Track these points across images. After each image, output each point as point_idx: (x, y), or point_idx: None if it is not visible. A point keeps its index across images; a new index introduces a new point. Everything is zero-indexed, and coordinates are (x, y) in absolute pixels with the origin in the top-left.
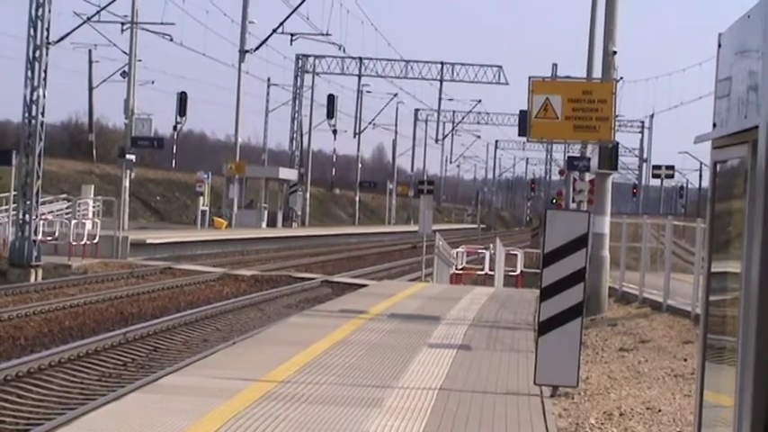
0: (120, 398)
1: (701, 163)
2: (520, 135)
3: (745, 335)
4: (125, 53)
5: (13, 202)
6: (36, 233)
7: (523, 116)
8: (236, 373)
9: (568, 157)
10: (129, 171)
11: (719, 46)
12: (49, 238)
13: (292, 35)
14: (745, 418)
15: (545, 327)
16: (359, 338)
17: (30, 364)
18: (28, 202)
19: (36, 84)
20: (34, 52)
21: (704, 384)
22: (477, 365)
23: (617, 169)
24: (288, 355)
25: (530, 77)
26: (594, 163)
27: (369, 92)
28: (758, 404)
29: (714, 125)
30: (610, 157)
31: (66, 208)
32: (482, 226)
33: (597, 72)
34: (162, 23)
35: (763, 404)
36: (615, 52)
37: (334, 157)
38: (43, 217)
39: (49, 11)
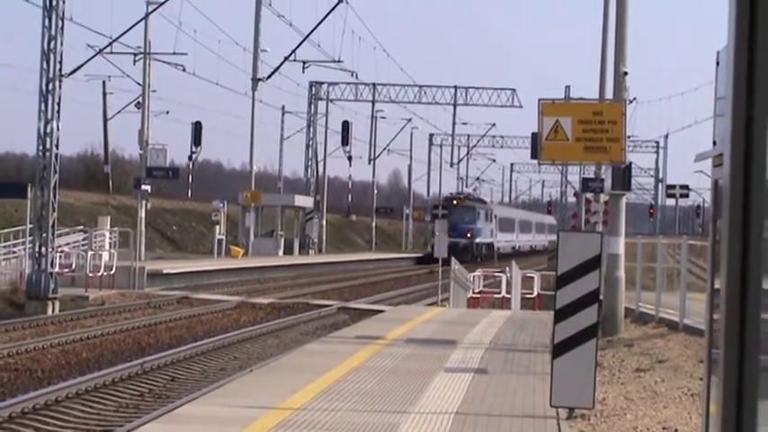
0: (138, 428)
1: None
2: (532, 158)
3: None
4: (139, 84)
5: (30, 235)
6: (53, 266)
7: (535, 139)
8: (252, 402)
9: (582, 178)
10: (144, 202)
11: (717, 63)
12: (66, 270)
13: (304, 63)
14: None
15: (560, 348)
16: (375, 364)
17: (47, 396)
18: (44, 235)
19: (50, 116)
20: (47, 85)
21: (710, 399)
22: (493, 389)
23: (630, 190)
24: (304, 382)
25: (539, 100)
26: (608, 184)
27: (383, 117)
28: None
29: (714, 143)
30: (623, 177)
31: (83, 240)
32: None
33: (609, 93)
34: (174, 53)
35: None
36: (626, 73)
37: (350, 183)
38: (59, 249)
39: (62, 43)
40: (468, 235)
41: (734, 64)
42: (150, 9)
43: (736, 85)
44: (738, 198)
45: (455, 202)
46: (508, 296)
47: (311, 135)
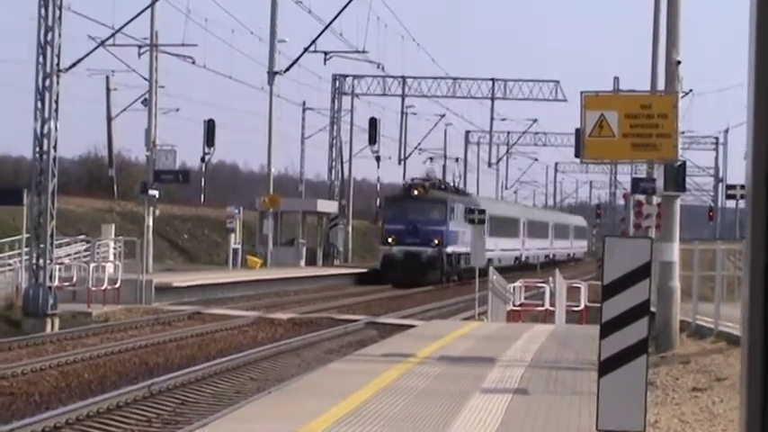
0: None
1: None
2: (576, 156)
3: None
4: (145, 79)
5: (27, 246)
6: (52, 279)
7: (578, 135)
8: (270, 427)
9: (633, 178)
10: (152, 208)
11: None
12: (67, 284)
13: (326, 54)
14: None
15: (607, 366)
16: (405, 384)
17: (45, 422)
18: (42, 246)
19: (47, 115)
20: (44, 81)
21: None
22: (534, 411)
23: (685, 191)
24: (327, 404)
25: (582, 92)
26: (660, 184)
27: (414, 113)
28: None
29: None
30: (676, 177)
31: (85, 250)
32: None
33: (661, 85)
34: (183, 45)
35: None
36: (679, 62)
37: (378, 186)
38: (59, 261)
39: (60, 35)
40: (435, 241)
41: (755, 51)
42: None
43: (759, 77)
44: (762, 198)
45: (415, 192)
46: (552, 309)
47: (335, 133)
